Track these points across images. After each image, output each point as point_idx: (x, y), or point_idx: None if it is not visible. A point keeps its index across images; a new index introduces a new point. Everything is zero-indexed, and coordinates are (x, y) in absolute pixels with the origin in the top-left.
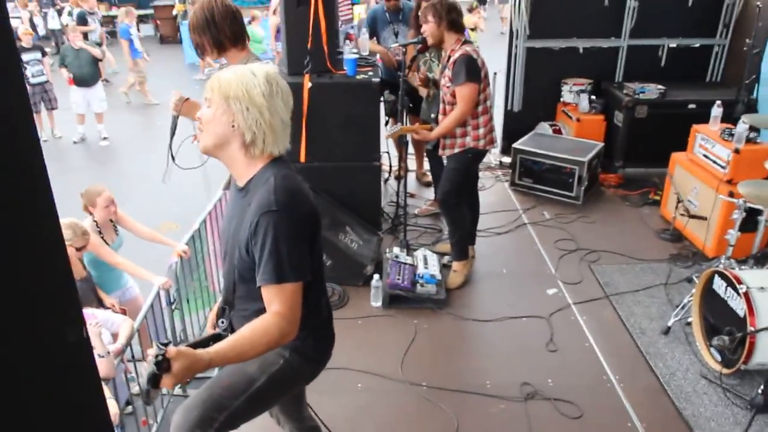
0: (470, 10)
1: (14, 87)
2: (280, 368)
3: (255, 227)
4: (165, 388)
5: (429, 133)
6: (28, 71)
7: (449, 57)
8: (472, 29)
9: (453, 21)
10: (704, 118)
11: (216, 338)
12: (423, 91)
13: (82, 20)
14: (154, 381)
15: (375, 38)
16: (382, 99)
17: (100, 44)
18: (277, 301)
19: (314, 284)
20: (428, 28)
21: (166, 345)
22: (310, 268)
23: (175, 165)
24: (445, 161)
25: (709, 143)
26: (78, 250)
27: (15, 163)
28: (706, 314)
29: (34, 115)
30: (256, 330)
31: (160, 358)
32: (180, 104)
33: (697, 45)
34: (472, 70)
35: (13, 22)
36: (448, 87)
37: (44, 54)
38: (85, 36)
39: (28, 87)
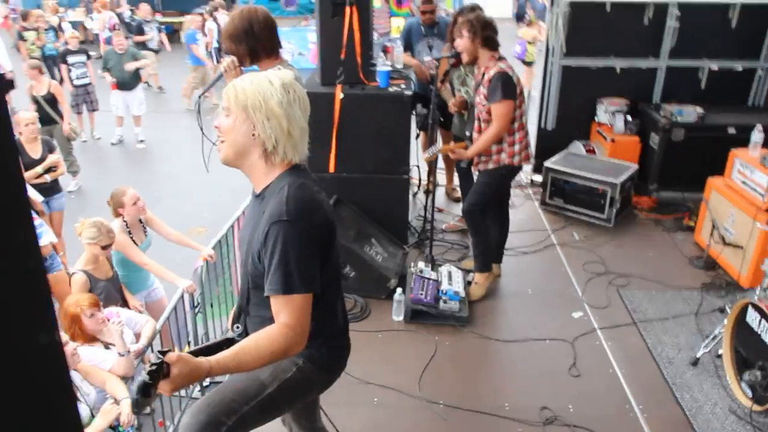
0: (529, 24)
1: None
2: (292, 376)
3: (265, 236)
4: (163, 393)
5: (465, 152)
6: (73, 73)
7: (483, 74)
8: (530, 42)
9: (488, 38)
10: (744, 143)
11: (230, 342)
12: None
13: (139, 30)
14: (145, 390)
15: (409, 51)
16: (414, 112)
17: (158, 51)
18: (285, 313)
19: (330, 293)
20: (462, 44)
21: (164, 353)
22: (320, 280)
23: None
24: (475, 175)
25: (748, 169)
26: (104, 248)
27: None
28: (737, 347)
29: (76, 115)
30: (260, 341)
31: (154, 367)
32: (230, 68)
33: (740, 68)
34: (508, 87)
35: (65, 26)
36: (483, 105)
37: (89, 57)
38: (144, 45)
39: (72, 88)
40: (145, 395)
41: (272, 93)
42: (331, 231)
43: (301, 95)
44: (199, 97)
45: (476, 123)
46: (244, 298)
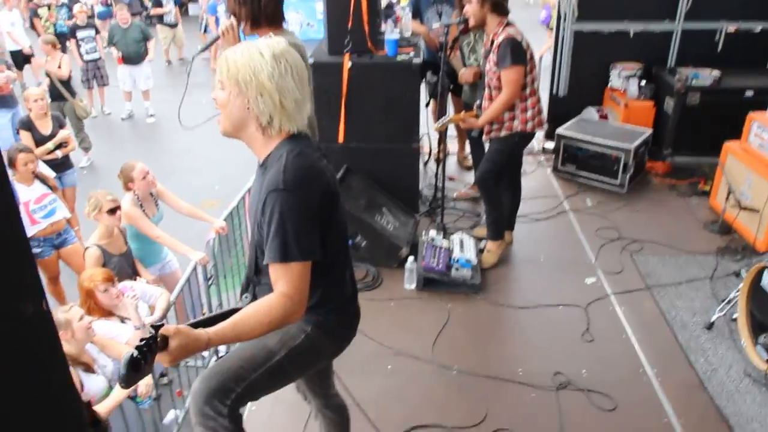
0: None
1: None
2: (300, 342)
3: (263, 205)
4: (163, 364)
5: (476, 121)
6: (82, 48)
7: (492, 41)
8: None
9: (496, 3)
10: (762, 107)
11: (235, 313)
12: (466, 76)
13: (157, 2)
14: (134, 365)
15: (418, 18)
16: (424, 80)
17: (175, 25)
18: (283, 281)
19: (337, 261)
20: (471, 9)
21: (157, 328)
22: (324, 247)
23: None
24: (487, 144)
25: (766, 132)
26: (111, 213)
27: None
28: (753, 310)
29: (87, 91)
30: (258, 311)
31: (143, 342)
32: (229, 31)
33: (758, 29)
34: (517, 52)
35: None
36: (493, 72)
37: (98, 32)
38: (161, 18)
39: (82, 63)
40: (134, 369)
41: (263, 66)
42: (333, 198)
43: (294, 63)
44: (193, 57)
45: (486, 90)
46: (252, 268)
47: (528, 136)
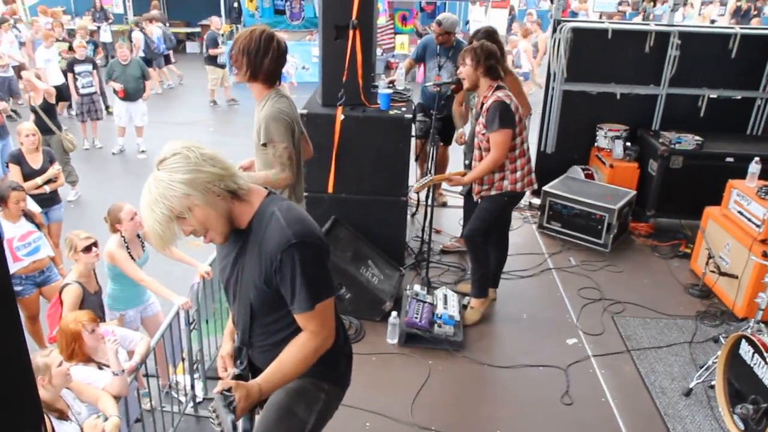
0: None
1: None
2: (323, 402)
3: (280, 264)
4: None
5: (462, 179)
6: (79, 82)
7: (482, 103)
8: None
9: (490, 67)
10: (742, 173)
11: (239, 378)
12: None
13: (213, 42)
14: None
15: (422, 64)
16: (414, 123)
17: (224, 66)
18: (315, 322)
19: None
20: (465, 71)
21: (229, 390)
22: (333, 282)
23: None
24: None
25: (745, 200)
26: (86, 251)
27: None
28: (731, 379)
29: (80, 124)
30: (295, 354)
31: (230, 401)
32: None
33: (739, 97)
34: (505, 116)
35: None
36: (483, 134)
37: (95, 67)
38: (213, 59)
39: (77, 97)
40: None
41: (174, 186)
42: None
43: (197, 159)
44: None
45: (477, 152)
46: (246, 334)
47: (517, 196)
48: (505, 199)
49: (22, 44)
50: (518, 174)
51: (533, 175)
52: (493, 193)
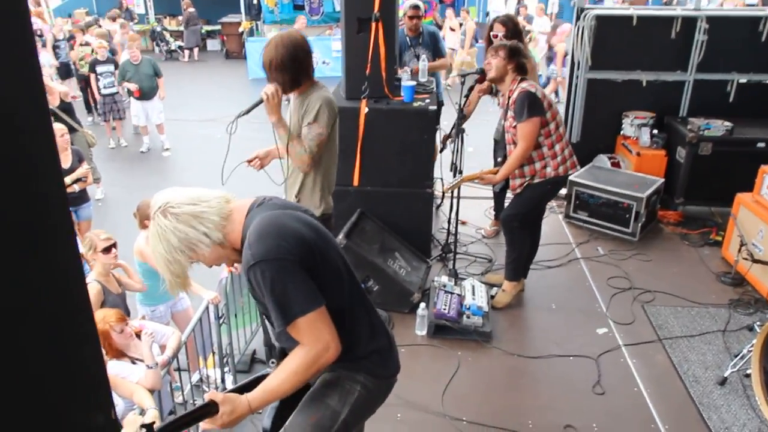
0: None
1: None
2: (359, 394)
3: (250, 284)
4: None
5: (494, 177)
6: (101, 82)
7: (509, 97)
8: None
9: (520, 65)
10: None
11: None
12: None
13: None
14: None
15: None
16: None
17: None
18: (299, 337)
19: (348, 301)
20: (496, 63)
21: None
22: (315, 295)
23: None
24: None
25: None
26: (105, 252)
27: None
28: (767, 367)
29: (104, 124)
30: (286, 368)
31: (197, 408)
32: (273, 96)
33: None
34: (533, 105)
35: (90, 40)
36: (513, 127)
37: (117, 67)
38: None
39: (99, 97)
40: None
41: (164, 258)
42: (313, 245)
43: (179, 214)
44: (237, 118)
45: (508, 147)
46: (269, 335)
47: (561, 181)
48: (548, 186)
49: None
50: (559, 158)
51: (575, 158)
52: (536, 180)
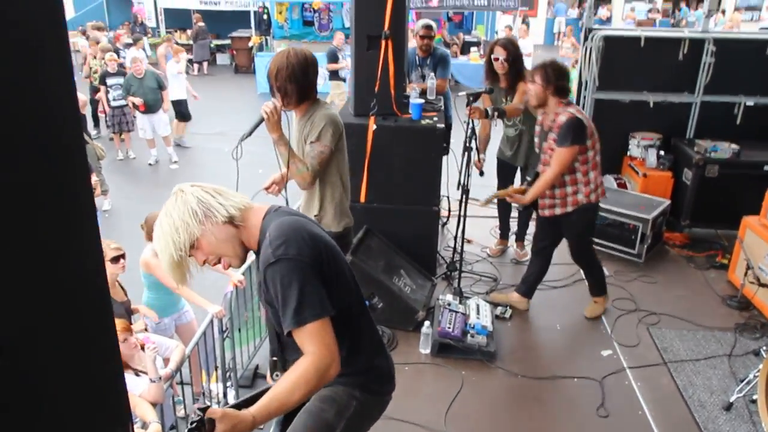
0: None
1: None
2: (354, 410)
3: (265, 283)
4: None
5: (523, 197)
6: (110, 95)
7: (554, 120)
8: None
9: (561, 87)
10: None
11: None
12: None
13: (333, 57)
14: None
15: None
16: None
17: (344, 80)
18: (307, 343)
19: (354, 315)
20: (534, 89)
21: (204, 410)
22: (328, 302)
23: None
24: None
25: None
26: (114, 261)
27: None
28: None
29: (114, 135)
30: (292, 378)
31: (194, 425)
32: (273, 113)
33: None
34: (578, 133)
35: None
36: (553, 149)
37: None
38: (336, 74)
39: (109, 109)
40: None
41: (178, 218)
42: (327, 254)
43: (185, 206)
44: (238, 144)
45: (542, 168)
46: (275, 344)
47: (594, 207)
48: (589, 212)
49: None
50: (591, 186)
51: (604, 186)
52: (569, 209)
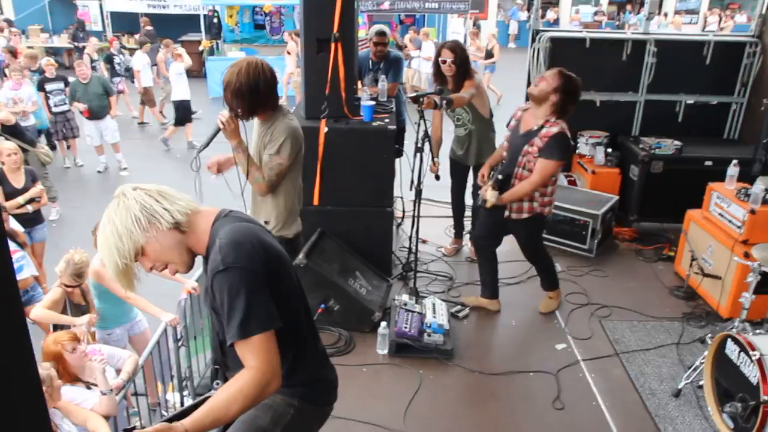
0: None
1: None
2: (292, 418)
3: (212, 290)
4: None
5: (501, 197)
6: (51, 101)
7: (542, 126)
8: None
9: (565, 107)
10: (720, 176)
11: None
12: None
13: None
14: None
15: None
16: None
17: None
18: (249, 356)
19: (299, 327)
20: (545, 84)
21: (130, 430)
22: (276, 314)
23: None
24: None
25: (725, 202)
26: (69, 288)
27: None
28: (718, 378)
29: (57, 142)
30: (230, 391)
31: None
32: (229, 123)
33: (715, 102)
34: (565, 150)
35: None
36: (534, 156)
37: (67, 84)
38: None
39: (50, 116)
40: None
41: (116, 231)
42: (277, 263)
43: (135, 199)
44: (198, 152)
45: (518, 169)
46: (218, 353)
47: (543, 220)
48: (540, 220)
49: None
50: (546, 199)
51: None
52: (524, 216)
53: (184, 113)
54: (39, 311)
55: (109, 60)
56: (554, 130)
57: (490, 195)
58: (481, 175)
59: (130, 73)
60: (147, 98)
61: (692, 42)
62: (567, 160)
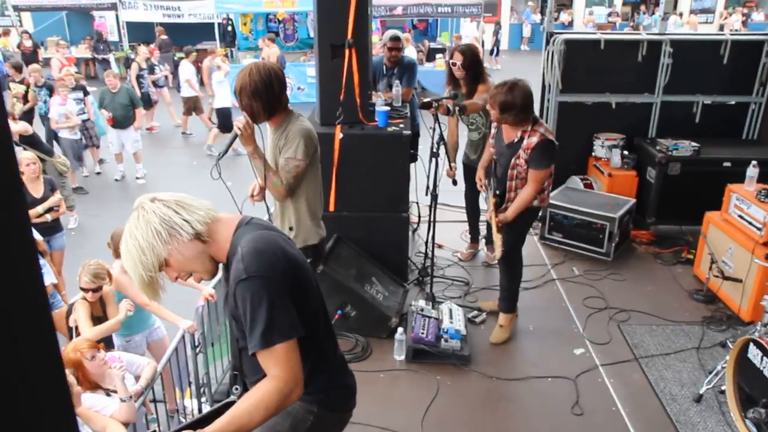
0: None
1: None
2: (311, 424)
3: (234, 299)
4: None
5: (507, 215)
6: None
7: (522, 138)
8: None
9: (522, 114)
10: (739, 177)
11: (231, 406)
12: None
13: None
14: None
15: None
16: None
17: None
18: (272, 365)
19: (318, 334)
20: (494, 114)
21: None
22: (298, 322)
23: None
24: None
25: (745, 204)
26: (93, 291)
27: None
28: (741, 383)
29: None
30: (252, 399)
31: None
32: (246, 128)
33: (733, 102)
34: (552, 154)
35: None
36: (523, 167)
37: (86, 93)
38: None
39: None
40: None
41: (141, 248)
42: (298, 272)
43: (150, 221)
44: (218, 159)
45: (511, 182)
46: (237, 360)
47: (537, 210)
48: (527, 211)
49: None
50: (544, 194)
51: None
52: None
53: (225, 120)
54: (89, 333)
55: (151, 70)
56: (534, 140)
57: (497, 252)
58: (479, 179)
59: (165, 82)
60: (196, 106)
61: (708, 42)
62: (554, 160)
